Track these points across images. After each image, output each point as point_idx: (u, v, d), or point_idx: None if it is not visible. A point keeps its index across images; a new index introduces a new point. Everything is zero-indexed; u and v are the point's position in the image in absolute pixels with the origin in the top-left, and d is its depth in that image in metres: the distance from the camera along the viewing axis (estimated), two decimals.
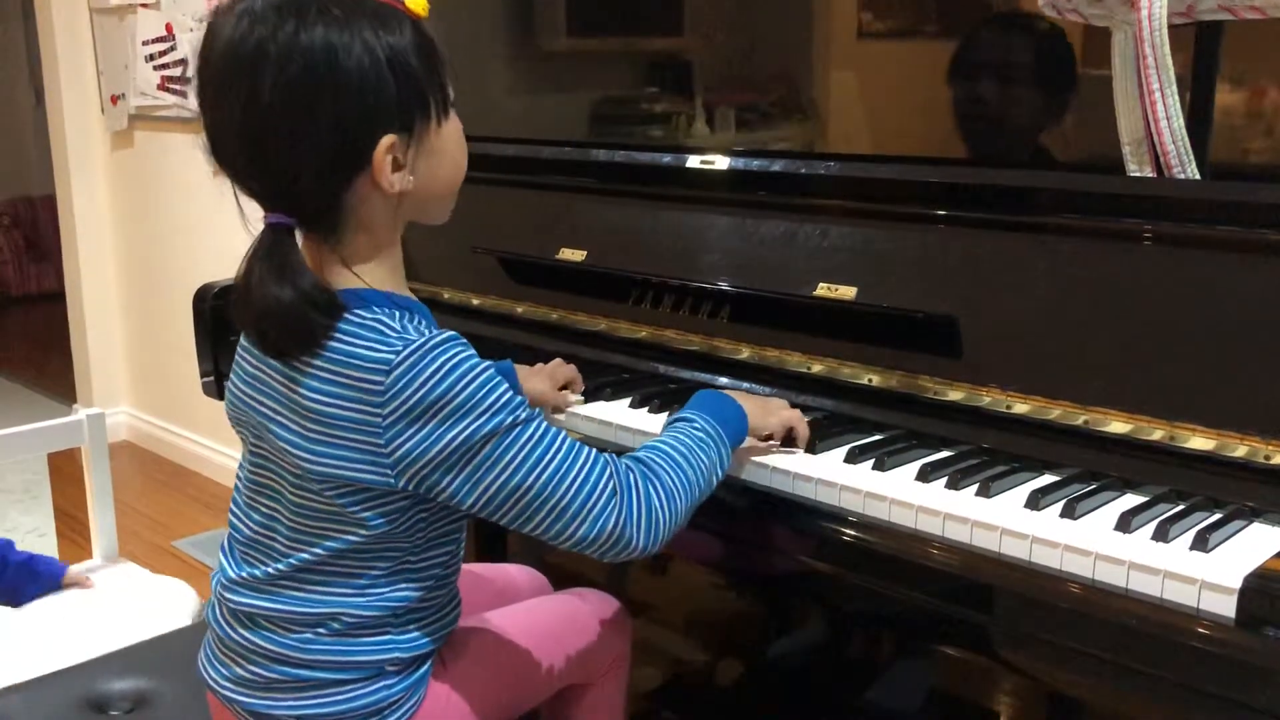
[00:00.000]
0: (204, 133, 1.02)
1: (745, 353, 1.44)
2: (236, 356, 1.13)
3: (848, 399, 1.33)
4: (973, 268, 1.31)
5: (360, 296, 1.01)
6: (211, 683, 1.16)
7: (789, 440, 1.23)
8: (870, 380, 1.31)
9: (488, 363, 1.01)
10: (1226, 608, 0.92)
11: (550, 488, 1.00)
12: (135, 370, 3.90)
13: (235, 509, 1.15)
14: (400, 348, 0.97)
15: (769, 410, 1.22)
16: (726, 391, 1.22)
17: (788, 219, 1.47)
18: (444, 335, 0.99)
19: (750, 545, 1.28)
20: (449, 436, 0.97)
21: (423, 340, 0.98)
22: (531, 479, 0.99)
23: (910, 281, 1.33)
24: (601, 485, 1.01)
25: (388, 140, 0.98)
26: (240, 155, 1.00)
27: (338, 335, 0.99)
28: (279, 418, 1.05)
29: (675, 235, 1.58)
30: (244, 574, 1.11)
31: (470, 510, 1.02)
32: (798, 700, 1.69)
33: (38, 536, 2.13)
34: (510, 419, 0.99)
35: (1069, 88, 1.35)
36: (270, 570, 1.09)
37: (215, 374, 1.92)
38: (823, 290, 1.38)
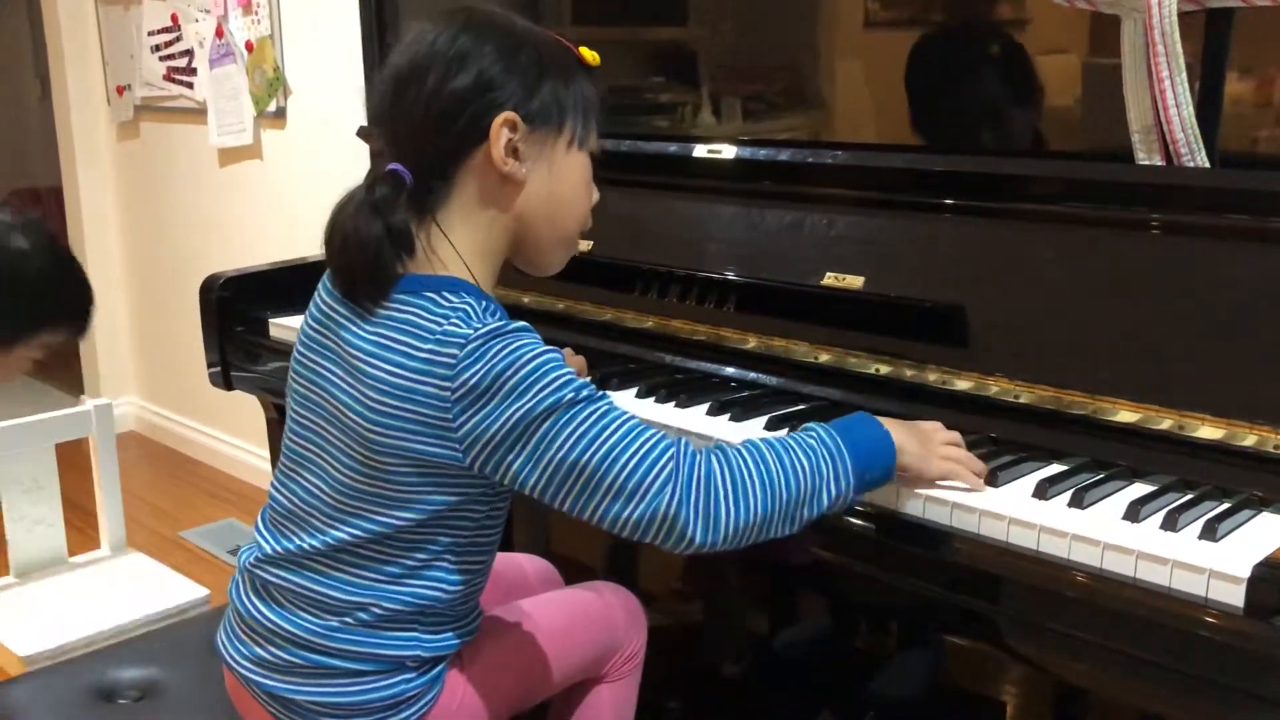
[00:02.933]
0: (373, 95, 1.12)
1: (752, 342, 1.44)
2: (303, 324, 1.15)
3: (855, 389, 1.33)
4: (981, 257, 1.30)
5: (449, 282, 1.05)
6: (230, 660, 1.16)
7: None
8: (878, 370, 1.31)
9: (554, 348, 1.03)
10: (1235, 597, 0.91)
11: (607, 464, 0.99)
12: (142, 361, 3.90)
13: (275, 482, 1.16)
14: (479, 326, 1.01)
15: (931, 450, 1.11)
16: (890, 420, 1.11)
17: (795, 208, 1.47)
18: (518, 324, 1.03)
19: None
20: (510, 411, 0.99)
21: (499, 325, 1.02)
22: (589, 455, 0.99)
23: (918, 271, 1.33)
24: (660, 465, 0.99)
25: (509, 115, 1.04)
26: (387, 97, 1.08)
27: (424, 313, 1.03)
28: (344, 385, 1.06)
29: (682, 225, 1.58)
30: (280, 548, 1.12)
31: (533, 491, 1.02)
32: (803, 690, 1.70)
33: (46, 527, 2.13)
34: (571, 395, 1.00)
35: (1078, 76, 1.35)
36: (307, 545, 1.10)
37: (222, 364, 1.92)
38: (830, 280, 1.38)
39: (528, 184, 1.08)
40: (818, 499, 1.05)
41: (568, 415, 0.99)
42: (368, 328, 1.05)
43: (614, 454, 0.99)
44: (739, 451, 1.04)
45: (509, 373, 0.99)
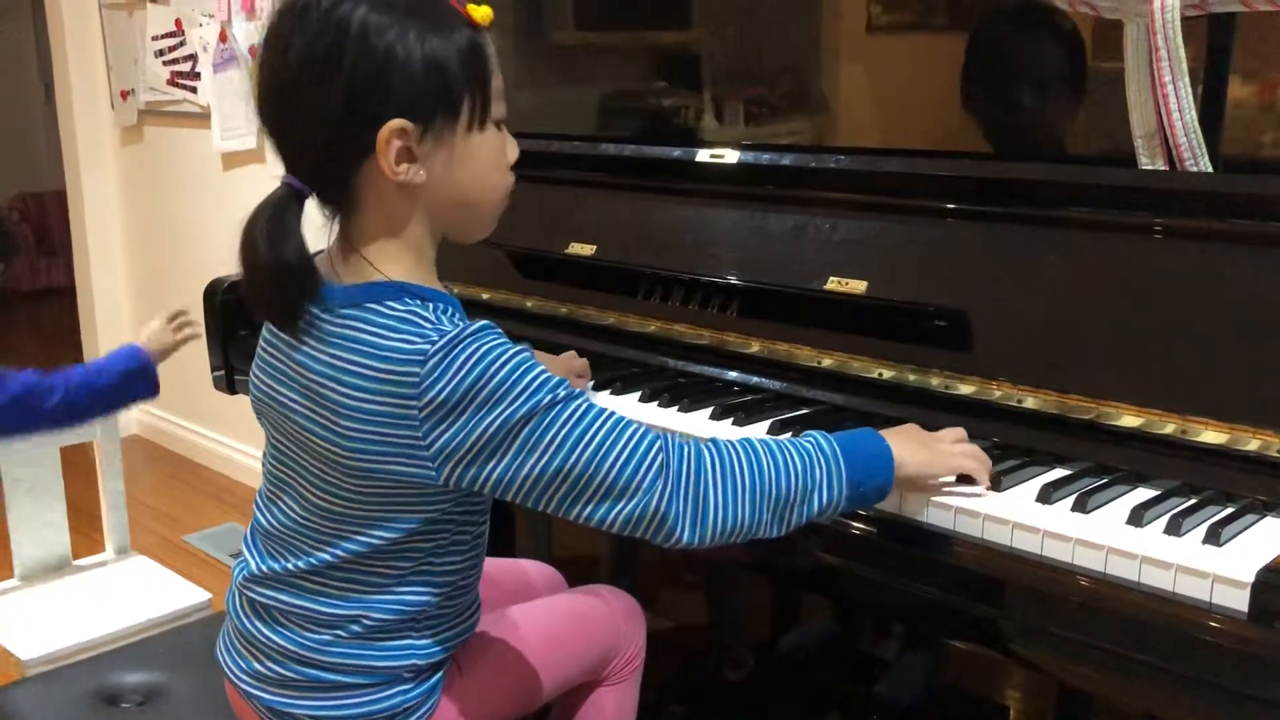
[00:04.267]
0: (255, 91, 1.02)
1: (755, 347, 1.44)
2: (258, 348, 1.11)
3: (858, 393, 1.33)
4: (984, 261, 1.30)
5: (391, 288, 1.00)
6: (229, 673, 1.16)
7: (964, 478, 1.11)
8: (881, 374, 1.31)
9: (522, 346, 0.98)
10: (1239, 602, 0.91)
11: (594, 466, 0.95)
12: None
13: (259, 500, 1.14)
14: (435, 338, 0.96)
15: (938, 452, 1.09)
16: (893, 430, 1.10)
17: (798, 213, 1.47)
18: (477, 325, 0.98)
19: (763, 540, 1.28)
20: (485, 423, 0.95)
21: (457, 331, 0.96)
22: (574, 458, 0.95)
23: (921, 275, 1.33)
24: (649, 460, 0.96)
25: (396, 124, 0.96)
26: (270, 110, 1.01)
27: (370, 326, 0.98)
28: (306, 411, 1.02)
29: (685, 229, 1.58)
30: (266, 568, 1.11)
31: (516, 499, 0.98)
32: (806, 694, 1.69)
33: (50, 531, 2.14)
34: (549, 398, 0.96)
35: (1081, 80, 1.35)
36: (292, 566, 1.08)
37: (226, 368, 1.92)
38: (833, 284, 1.38)
39: (429, 181, 1.00)
40: (808, 504, 1.02)
41: (548, 418, 0.95)
42: (316, 346, 1.01)
43: (600, 453, 0.96)
44: (731, 446, 1.01)
45: (480, 383, 0.94)
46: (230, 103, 3.07)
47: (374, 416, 0.97)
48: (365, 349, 0.98)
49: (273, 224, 0.98)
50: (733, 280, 1.48)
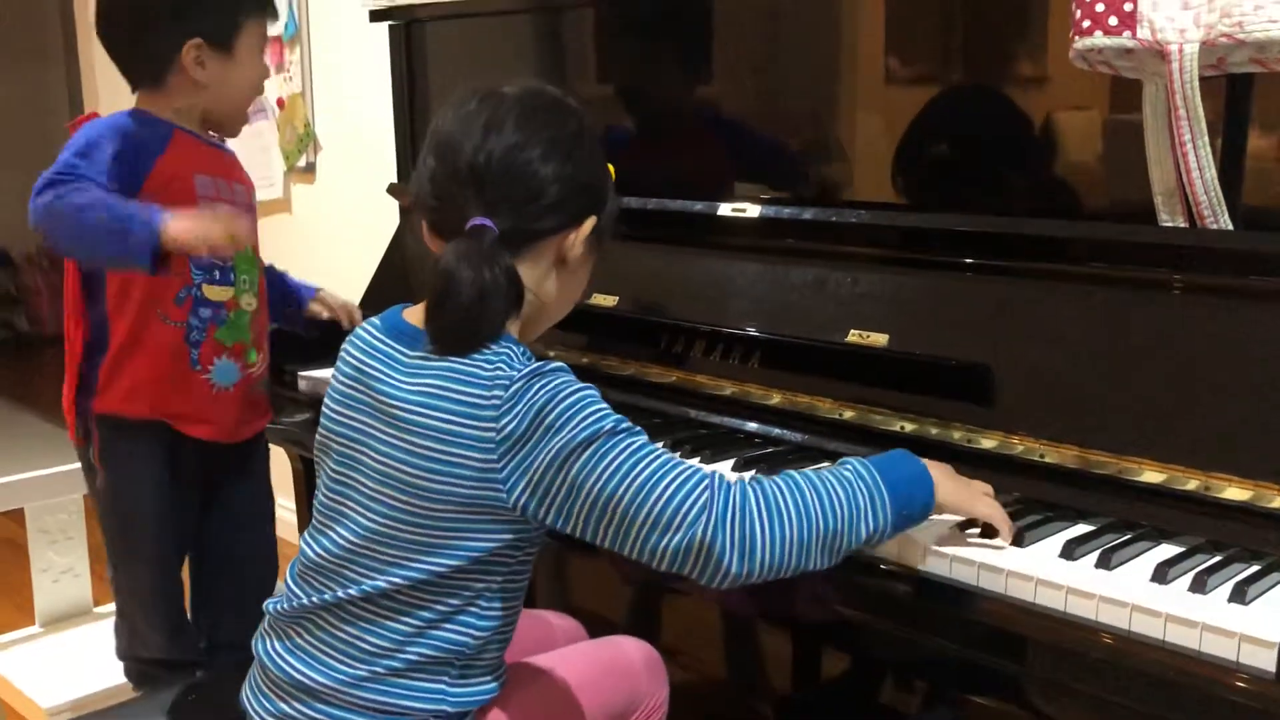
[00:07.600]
0: (432, 140, 1.12)
1: (776, 399, 1.44)
2: (333, 382, 1.16)
3: (880, 446, 1.33)
4: (1005, 316, 1.31)
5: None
6: (255, 717, 1.16)
7: (987, 531, 1.14)
8: (902, 428, 1.31)
9: (589, 384, 1.06)
10: (1267, 661, 0.91)
11: (641, 496, 1.01)
12: None
13: (305, 537, 1.17)
14: (520, 368, 1.05)
15: (972, 491, 1.13)
16: (928, 461, 1.13)
17: (818, 266, 1.48)
18: (555, 364, 1.07)
19: (779, 590, 1.27)
20: (551, 445, 1.02)
21: (538, 366, 1.06)
22: (624, 487, 1.01)
23: (942, 329, 1.34)
24: (694, 496, 1.01)
25: (594, 221, 1.13)
26: (497, 160, 1.08)
27: (468, 360, 1.06)
28: (386, 437, 1.08)
29: (706, 282, 1.60)
30: (313, 601, 1.12)
31: (574, 528, 1.04)
32: None
33: (73, 576, 2.15)
34: (611, 425, 1.03)
35: (1101, 138, 1.36)
36: (342, 595, 1.10)
37: None
38: (854, 337, 1.39)
39: (577, 270, 1.16)
40: (855, 532, 1.06)
41: (606, 446, 1.02)
42: (407, 380, 1.08)
43: (648, 486, 1.01)
44: (775, 483, 1.06)
45: (548, 408, 1.02)
46: (257, 153, 3.11)
47: (457, 439, 1.04)
48: (462, 376, 1.05)
49: (479, 252, 1.06)
50: (754, 332, 1.49)
